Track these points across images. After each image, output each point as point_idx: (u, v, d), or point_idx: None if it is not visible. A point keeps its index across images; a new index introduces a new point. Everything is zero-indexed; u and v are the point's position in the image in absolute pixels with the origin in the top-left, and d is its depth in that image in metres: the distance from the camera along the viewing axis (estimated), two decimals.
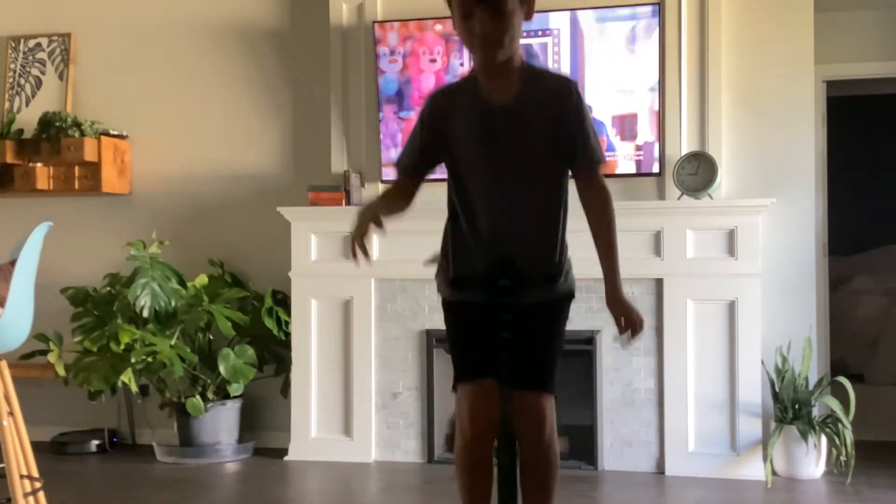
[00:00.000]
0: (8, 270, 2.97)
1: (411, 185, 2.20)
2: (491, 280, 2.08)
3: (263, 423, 4.79)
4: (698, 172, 4.13)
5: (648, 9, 4.19)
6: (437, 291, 2.24)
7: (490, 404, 2.08)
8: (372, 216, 2.08)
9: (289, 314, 4.54)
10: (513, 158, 2.06)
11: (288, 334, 4.55)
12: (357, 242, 2.06)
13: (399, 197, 2.21)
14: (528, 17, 2.06)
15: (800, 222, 4.29)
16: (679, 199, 4.16)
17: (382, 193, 2.27)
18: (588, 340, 4.20)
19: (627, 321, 2.12)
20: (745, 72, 4.34)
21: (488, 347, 2.10)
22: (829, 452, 4.06)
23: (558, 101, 2.06)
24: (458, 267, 2.13)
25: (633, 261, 4.18)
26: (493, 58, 2.02)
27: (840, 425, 3.97)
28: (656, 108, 4.21)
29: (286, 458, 4.49)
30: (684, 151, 4.21)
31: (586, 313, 4.24)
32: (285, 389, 4.61)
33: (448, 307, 2.20)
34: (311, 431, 4.47)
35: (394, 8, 4.53)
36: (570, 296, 2.20)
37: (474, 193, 2.08)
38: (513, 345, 2.09)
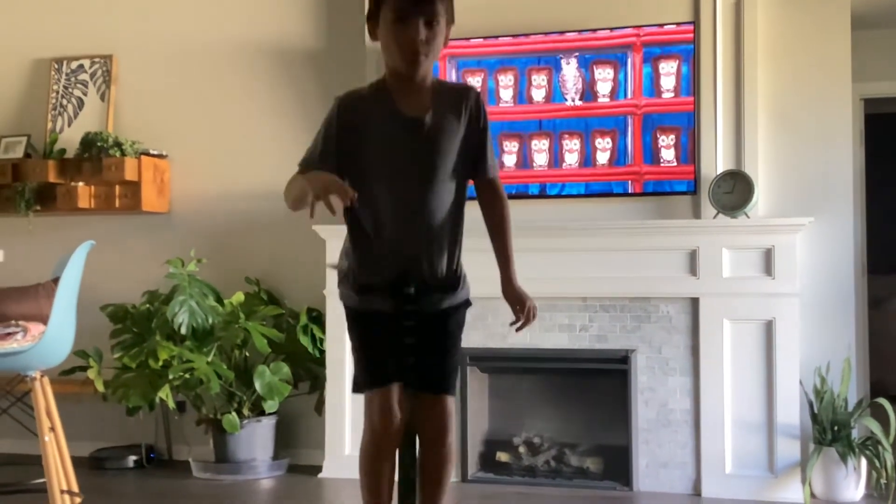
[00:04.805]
0: (51, 288, 3.03)
1: None
2: (396, 287, 2.14)
3: (298, 440, 4.82)
4: (734, 191, 4.11)
5: (683, 26, 4.20)
6: (339, 299, 2.28)
7: (396, 407, 2.19)
8: (337, 187, 1.95)
9: (324, 332, 4.57)
10: (424, 171, 2.12)
11: (323, 352, 4.58)
12: (325, 195, 1.92)
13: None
14: (446, 41, 2.13)
15: (838, 241, 4.25)
16: (715, 217, 4.14)
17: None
18: (623, 360, 4.17)
19: (523, 309, 2.22)
20: (782, 89, 4.31)
21: (394, 353, 2.18)
22: (869, 475, 4.00)
23: (466, 112, 2.14)
24: (362, 275, 2.19)
25: (668, 280, 4.17)
26: (418, 68, 2.07)
27: (880, 447, 3.91)
28: (692, 125, 4.20)
29: (320, 476, 4.50)
30: (720, 170, 4.19)
31: (620, 332, 4.23)
32: (320, 407, 4.63)
33: (353, 315, 2.25)
34: (346, 448, 4.48)
35: None
36: (467, 303, 2.29)
37: (382, 202, 2.12)
38: (417, 350, 2.17)
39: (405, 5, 2.04)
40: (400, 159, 2.11)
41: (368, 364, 2.21)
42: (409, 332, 2.16)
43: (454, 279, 2.21)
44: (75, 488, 3.21)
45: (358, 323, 2.23)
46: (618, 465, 4.21)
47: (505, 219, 2.25)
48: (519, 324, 2.25)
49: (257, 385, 4.42)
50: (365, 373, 2.21)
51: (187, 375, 4.39)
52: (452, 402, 2.26)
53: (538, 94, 4.37)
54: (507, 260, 2.24)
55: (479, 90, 2.20)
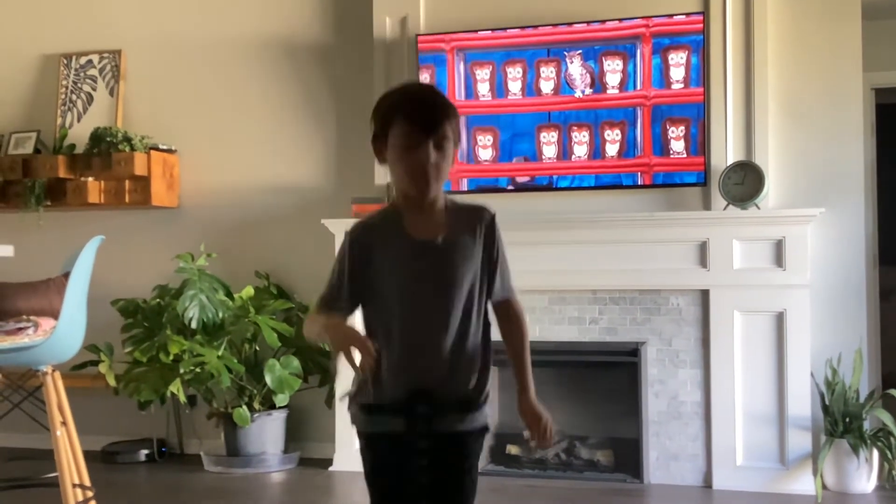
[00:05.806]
0: (62, 283, 3.04)
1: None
2: (407, 407, 2.08)
3: (308, 433, 4.83)
4: (745, 182, 4.09)
5: (692, 17, 4.18)
6: (350, 423, 2.22)
7: None
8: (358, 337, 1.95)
9: None
10: (437, 292, 2.06)
11: None
12: (346, 350, 1.91)
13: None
14: (453, 162, 2.08)
15: (849, 232, 4.23)
16: (725, 209, 4.13)
17: (317, 323, 2.10)
18: (633, 352, 4.16)
19: (538, 427, 2.18)
20: (792, 79, 4.29)
21: (406, 477, 2.12)
22: (881, 466, 3.98)
23: (481, 232, 2.10)
24: (374, 394, 2.12)
25: (678, 272, 4.16)
26: (429, 191, 2.03)
27: (892, 439, 3.90)
28: (702, 116, 4.18)
29: (331, 469, 4.51)
30: (730, 161, 4.17)
31: (630, 325, 4.23)
32: (330, 400, 4.64)
33: (364, 438, 2.19)
34: (356, 442, 4.46)
35: (437, 21, 4.56)
36: (485, 429, 2.21)
37: (394, 327, 2.07)
38: (430, 473, 2.11)
39: (414, 129, 1.99)
40: (410, 280, 2.06)
41: (378, 489, 2.15)
42: (422, 454, 2.10)
43: (474, 401, 2.14)
44: (87, 482, 3.22)
45: (367, 445, 2.17)
46: (628, 458, 4.21)
47: (524, 339, 2.18)
48: (535, 442, 2.20)
49: (268, 379, 4.43)
50: (374, 498, 2.15)
51: (198, 369, 4.40)
52: None
53: (547, 86, 4.36)
54: (524, 377, 2.18)
55: (494, 211, 2.12)
